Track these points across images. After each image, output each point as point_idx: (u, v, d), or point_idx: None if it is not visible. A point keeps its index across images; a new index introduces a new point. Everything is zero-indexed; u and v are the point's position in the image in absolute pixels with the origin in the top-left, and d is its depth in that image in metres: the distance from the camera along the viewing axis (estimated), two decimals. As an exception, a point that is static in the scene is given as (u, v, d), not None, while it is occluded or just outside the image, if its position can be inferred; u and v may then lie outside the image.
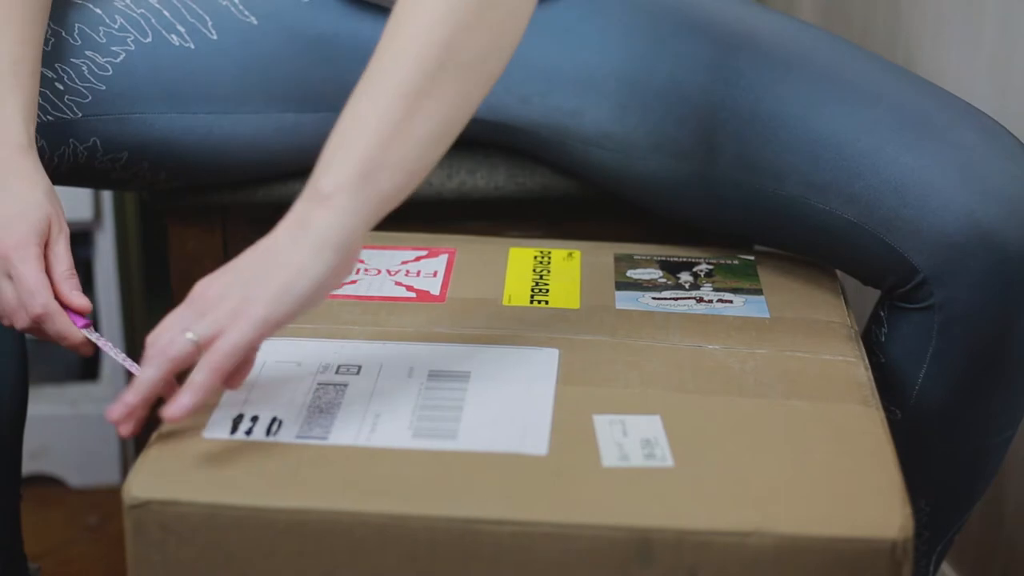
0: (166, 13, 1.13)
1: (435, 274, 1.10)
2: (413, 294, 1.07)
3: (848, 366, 0.98)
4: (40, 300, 0.96)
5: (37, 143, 1.07)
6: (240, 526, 0.83)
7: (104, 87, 1.11)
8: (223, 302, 0.86)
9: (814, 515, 0.82)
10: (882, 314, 1.09)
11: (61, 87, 1.09)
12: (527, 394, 0.93)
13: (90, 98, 1.11)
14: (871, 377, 0.97)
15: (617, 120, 1.14)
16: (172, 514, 0.83)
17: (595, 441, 0.88)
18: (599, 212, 1.27)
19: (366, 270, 1.10)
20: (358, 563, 0.82)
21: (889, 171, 1.03)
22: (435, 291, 1.08)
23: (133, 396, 0.87)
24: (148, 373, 0.87)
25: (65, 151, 1.11)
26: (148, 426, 0.90)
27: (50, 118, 1.09)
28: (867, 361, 0.99)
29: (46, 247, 0.99)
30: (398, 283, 1.09)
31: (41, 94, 1.08)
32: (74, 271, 0.99)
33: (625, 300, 1.06)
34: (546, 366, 0.97)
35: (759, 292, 1.08)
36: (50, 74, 1.09)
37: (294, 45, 1.16)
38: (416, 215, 1.27)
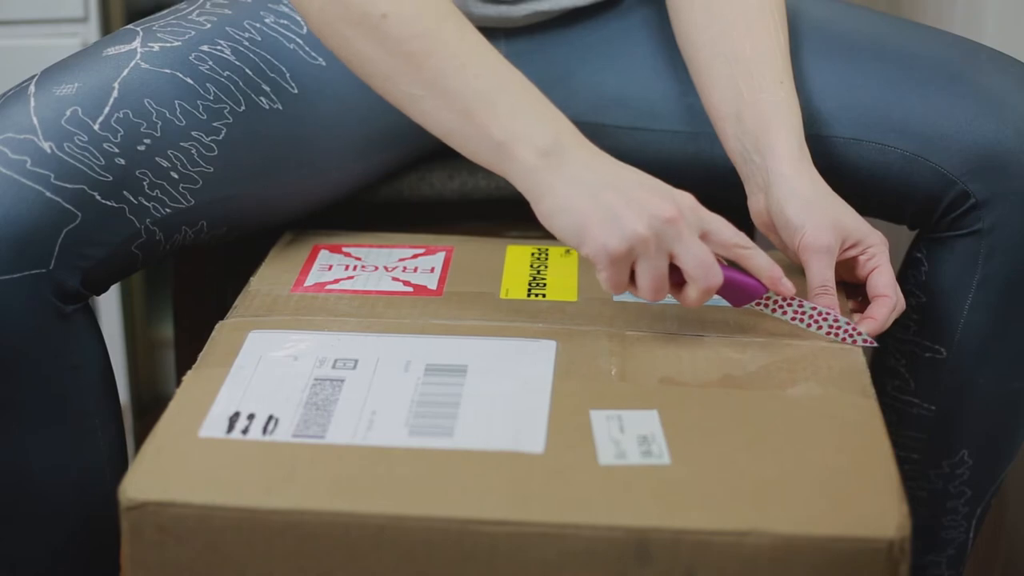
0: (248, 71, 1.09)
1: (432, 270, 1.10)
2: (410, 288, 1.07)
3: (846, 351, 0.98)
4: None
5: (155, 237, 1.05)
6: (236, 527, 0.82)
7: (212, 169, 1.07)
8: None
9: (811, 514, 0.81)
10: (919, 255, 1.14)
11: (176, 176, 1.06)
12: (524, 388, 0.93)
13: (201, 183, 1.07)
14: (866, 365, 0.97)
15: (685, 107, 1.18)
16: (169, 515, 0.83)
17: (591, 438, 0.88)
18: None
19: (363, 267, 1.10)
20: (354, 564, 0.82)
21: (940, 107, 1.10)
22: (432, 286, 1.07)
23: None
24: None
25: (176, 237, 1.08)
26: (145, 427, 0.90)
27: (168, 211, 1.06)
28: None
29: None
30: (395, 279, 1.08)
31: (159, 186, 1.05)
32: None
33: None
34: (543, 358, 0.96)
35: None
36: (165, 163, 1.05)
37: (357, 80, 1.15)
38: (418, 216, 1.27)
